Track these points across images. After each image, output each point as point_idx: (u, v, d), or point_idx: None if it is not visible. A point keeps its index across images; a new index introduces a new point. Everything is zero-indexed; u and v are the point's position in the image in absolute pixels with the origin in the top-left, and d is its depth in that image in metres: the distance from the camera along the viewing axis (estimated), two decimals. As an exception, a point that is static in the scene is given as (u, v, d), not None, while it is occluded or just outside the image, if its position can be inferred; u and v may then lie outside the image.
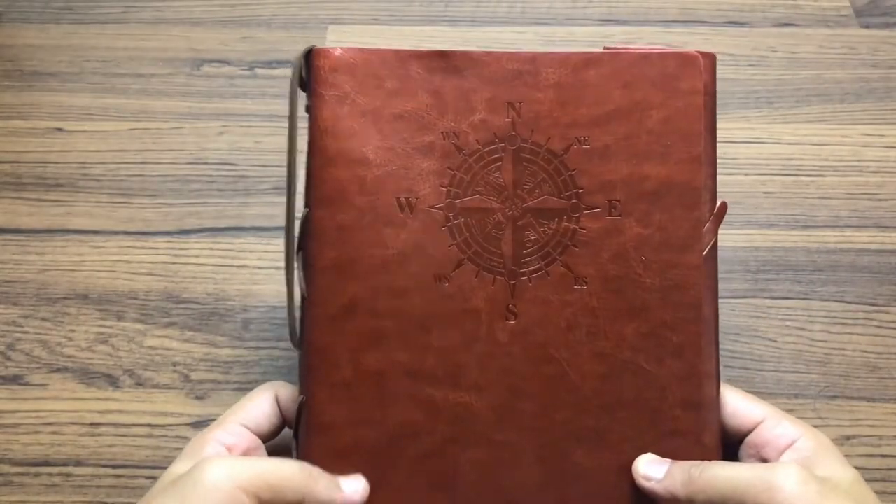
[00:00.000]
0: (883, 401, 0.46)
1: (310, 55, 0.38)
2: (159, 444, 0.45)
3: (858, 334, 0.48)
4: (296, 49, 0.60)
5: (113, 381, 0.47)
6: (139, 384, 0.47)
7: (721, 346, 0.39)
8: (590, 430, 0.37)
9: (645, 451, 0.37)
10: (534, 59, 0.37)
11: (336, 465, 0.36)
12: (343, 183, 0.37)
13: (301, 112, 0.38)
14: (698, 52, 0.38)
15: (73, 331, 0.49)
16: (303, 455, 0.37)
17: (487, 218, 0.37)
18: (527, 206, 0.38)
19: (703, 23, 0.61)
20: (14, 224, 0.53)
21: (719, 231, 0.38)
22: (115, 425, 0.46)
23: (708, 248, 0.37)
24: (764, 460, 0.36)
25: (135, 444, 0.45)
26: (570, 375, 0.37)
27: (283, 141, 0.57)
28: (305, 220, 0.37)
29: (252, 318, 0.49)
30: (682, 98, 0.37)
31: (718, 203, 0.38)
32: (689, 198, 0.37)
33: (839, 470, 0.34)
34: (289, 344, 0.46)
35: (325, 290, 0.37)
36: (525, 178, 0.38)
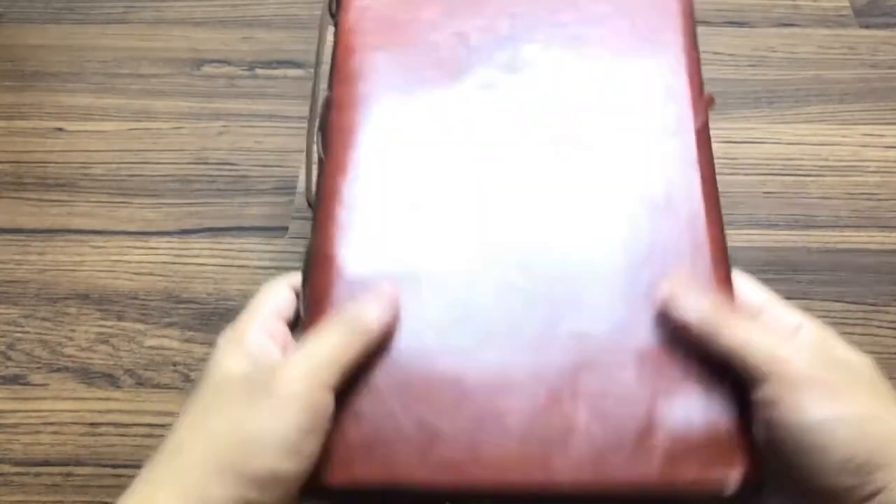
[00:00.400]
0: (883, 401, 0.46)
1: None
2: (159, 444, 0.45)
3: (858, 334, 0.48)
4: (296, 49, 0.60)
5: (113, 381, 0.47)
6: (139, 384, 0.47)
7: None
8: None
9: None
10: None
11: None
12: (363, 64, 0.40)
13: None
14: None
15: (73, 331, 0.49)
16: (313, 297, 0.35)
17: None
18: None
19: (704, 23, 0.61)
20: (15, 224, 0.53)
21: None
22: (116, 425, 0.46)
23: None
24: None
25: (135, 444, 0.45)
26: None
27: (283, 141, 0.57)
28: (327, 100, 0.39)
29: (252, 318, 0.49)
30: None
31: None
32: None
33: (852, 354, 0.31)
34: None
35: (340, 147, 0.38)
36: None
